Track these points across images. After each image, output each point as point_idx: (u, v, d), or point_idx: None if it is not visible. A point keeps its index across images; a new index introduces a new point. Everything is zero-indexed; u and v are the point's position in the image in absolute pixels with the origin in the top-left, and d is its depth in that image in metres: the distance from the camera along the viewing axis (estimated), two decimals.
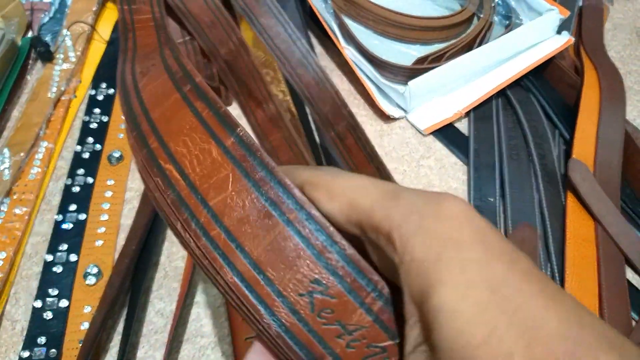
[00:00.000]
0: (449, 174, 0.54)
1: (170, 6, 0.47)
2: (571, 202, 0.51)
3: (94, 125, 0.54)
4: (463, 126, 0.59)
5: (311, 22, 0.67)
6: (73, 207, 0.48)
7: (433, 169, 0.54)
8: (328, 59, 0.66)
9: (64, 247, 0.45)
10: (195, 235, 0.20)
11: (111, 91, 0.57)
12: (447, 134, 0.58)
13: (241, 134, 0.20)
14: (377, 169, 0.45)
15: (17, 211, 0.47)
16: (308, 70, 0.48)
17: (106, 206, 0.48)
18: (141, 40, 0.35)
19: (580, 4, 0.72)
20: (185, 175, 0.21)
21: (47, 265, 0.44)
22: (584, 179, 0.52)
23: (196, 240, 0.20)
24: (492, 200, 0.51)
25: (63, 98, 0.55)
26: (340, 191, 0.20)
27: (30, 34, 0.61)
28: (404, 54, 0.65)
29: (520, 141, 0.57)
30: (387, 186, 0.20)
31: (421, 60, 0.60)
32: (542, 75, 0.63)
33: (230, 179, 0.20)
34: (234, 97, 0.44)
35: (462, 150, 0.56)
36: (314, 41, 0.67)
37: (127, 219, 0.48)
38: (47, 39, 0.60)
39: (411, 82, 0.56)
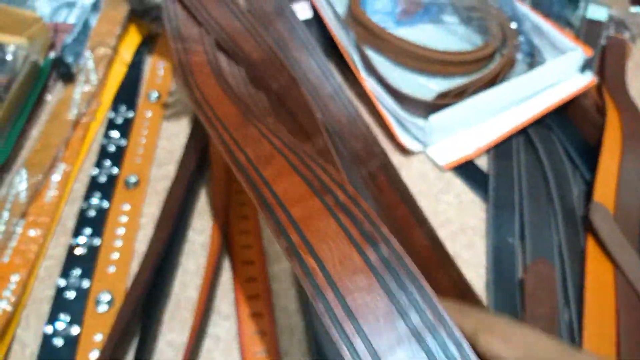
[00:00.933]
0: (467, 211, 0.53)
1: (221, 44, 0.47)
2: (591, 245, 0.50)
3: (111, 149, 0.54)
4: (483, 163, 0.58)
5: (331, 50, 0.67)
6: (88, 231, 0.47)
7: (452, 205, 0.54)
8: (348, 90, 0.66)
9: (77, 272, 0.45)
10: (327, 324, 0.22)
11: (130, 114, 0.57)
12: (466, 170, 0.57)
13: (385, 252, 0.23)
14: (410, 211, 0.44)
15: (31, 234, 0.46)
16: (339, 105, 0.48)
17: (121, 232, 0.47)
18: (207, 90, 0.38)
19: (603, 41, 0.72)
20: (325, 270, 0.23)
21: (60, 290, 0.44)
22: (605, 223, 0.51)
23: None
24: (511, 240, 0.50)
25: (82, 120, 0.55)
26: (518, 339, 0.23)
27: (52, 55, 0.61)
28: (424, 86, 0.64)
29: (540, 181, 0.56)
30: (562, 345, 0.23)
31: (442, 96, 0.60)
32: (564, 114, 0.62)
33: (371, 287, 0.22)
34: (283, 125, 0.43)
35: (482, 187, 0.55)
36: (334, 70, 0.67)
37: (142, 244, 0.47)
38: (70, 60, 0.60)
39: (432, 117, 0.56)
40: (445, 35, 0.71)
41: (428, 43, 0.65)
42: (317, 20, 0.67)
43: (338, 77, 0.49)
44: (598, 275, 0.49)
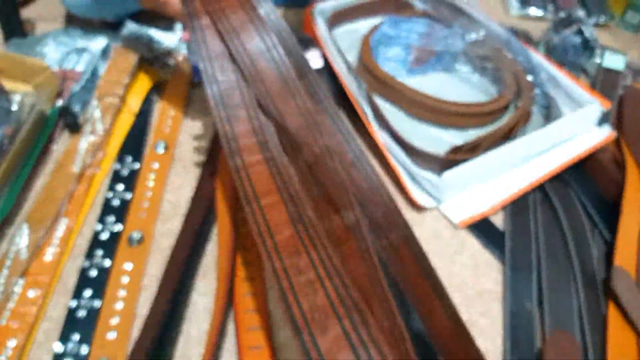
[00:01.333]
0: (483, 273, 0.51)
1: (262, 106, 0.46)
2: (613, 312, 0.48)
3: (116, 203, 0.53)
4: (498, 219, 0.56)
5: (341, 99, 0.66)
6: (88, 292, 0.46)
7: (467, 267, 0.52)
8: (359, 140, 0.64)
9: (76, 337, 0.43)
10: None
11: (136, 166, 0.56)
12: (481, 228, 0.55)
13: None
14: (432, 288, 0.42)
15: (30, 294, 0.45)
16: (361, 172, 0.46)
17: (122, 293, 0.46)
18: (257, 183, 0.38)
19: (621, 91, 0.71)
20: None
21: (57, 357, 0.42)
22: (627, 289, 0.48)
23: None
24: (529, 306, 0.48)
25: (87, 172, 0.54)
26: None
27: (60, 103, 0.60)
28: (437, 138, 0.63)
29: (558, 240, 0.54)
30: None
31: (455, 150, 0.58)
32: (581, 169, 0.61)
33: None
34: (309, 196, 0.41)
35: (498, 246, 0.53)
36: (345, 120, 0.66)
37: (143, 307, 0.45)
38: (77, 108, 0.59)
39: (445, 174, 0.54)
40: (459, 85, 0.70)
41: (441, 92, 0.64)
42: (327, 69, 0.66)
43: (359, 142, 0.47)
44: (620, 345, 0.46)
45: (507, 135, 0.62)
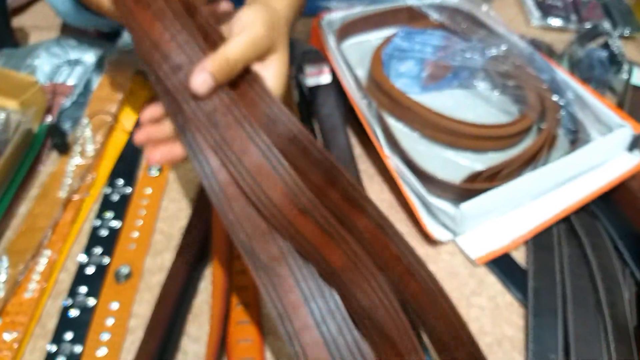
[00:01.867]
0: (503, 316, 0.47)
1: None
2: None
3: (103, 233, 0.48)
4: (520, 255, 0.52)
5: (351, 118, 0.62)
6: (69, 335, 0.42)
7: (485, 310, 0.47)
8: (368, 162, 0.60)
9: None
10: None
11: (128, 190, 0.52)
12: (502, 265, 0.50)
13: None
14: None
15: (6, 337, 0.41)
16: (416, 277, 0.40)
17: (106, 337, 0.42)
18: None
19: None
20: None
21: None
22: None
23: None
24: (553, 357, 0.44)
25: (75, 198, 0.50)
26: None
27: (49, 120, 0.56)
28: (454, 163, 0.58)
29: (586, 282, 0.49)
30: None
31: (474, 177, 0.53)
32: (609, 199, 0.56)
33: None
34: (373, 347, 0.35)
35: (519, 286, 0.49)
36: (353, 140, 0.61)
37: (129, 353, 0.41)
38: (67, 126, 0.55)
39: (463, 206, 0.49)
40: (476, 103, 0.65)
41: (457, 111, 0.59)
42: (336, 85, 0.62)
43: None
44: None
45: (530, 160, 0.57)
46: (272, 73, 0.40)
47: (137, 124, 0.58)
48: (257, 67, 0.39)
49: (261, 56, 0.39)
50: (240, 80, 0.38)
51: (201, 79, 0.34)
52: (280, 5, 0.43)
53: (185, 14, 0.37)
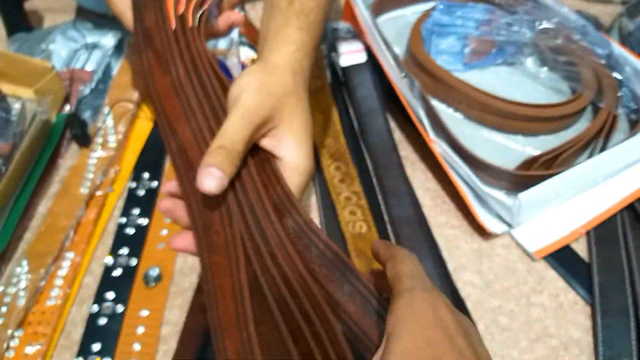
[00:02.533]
0: (568, 317, 0.42)
1: None
2: None
3: (130, 231, 0.45)
4: (581, 247, 0.47)
5: (388, 98, 0.57)
6: (97, 346, 0.38)
7: (547, 310, 0.43)
8: (409, 147, 0.55)
9: None
10: None
11: (154, 184, 0.48)
12: (562, 259, 0.46)
13: None
14: None
15: (29, 351, 0.37)
16: None
17: (137, 347, 0.38)
18: None
19: None
20: None
21: None
22: None
23: None
24: None
25: (98, 193, 0.46)
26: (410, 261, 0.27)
27: (67, 108, 0.52)
28: (503, 147, 0.53)
29: None
30: None
31: (529, 163, 0.49)
32: None
33: None
34: None
35: (583, 282, 0.44)
36: (392, 125, 0.57)
37: None
38: (87, 115, 0.51)
39: (522, 195, 0.45)
40: (524, 81, 0.60)
41: (503, 90, 0.54)
42: (372, 64, 0.57)
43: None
44: None
45: (588, 144, 0.52)
46: (287, 150, 0.34)
47: None
48: (268, 144, 0.34)
49: (261, 130, 0.33)
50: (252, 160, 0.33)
51: (210, 180, 0.29)
52: (283, 57, 0.36)
53: (201, 90, 0.35)
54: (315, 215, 0.48)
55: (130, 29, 0.43)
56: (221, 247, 0.29)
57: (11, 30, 0.60)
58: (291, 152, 0.34)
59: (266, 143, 0.34)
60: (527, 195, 0.45)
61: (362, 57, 0.58)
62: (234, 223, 0.30)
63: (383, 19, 0.67)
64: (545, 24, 0.58)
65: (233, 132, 0.31)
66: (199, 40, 0.38)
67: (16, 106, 0.47)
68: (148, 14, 0.39)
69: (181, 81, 0.35)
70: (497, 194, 0.47)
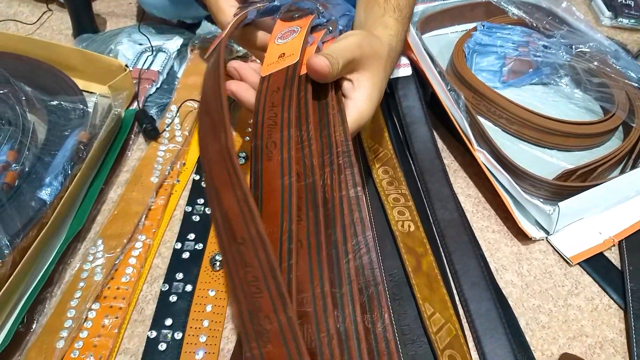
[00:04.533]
0: (603, 319, 0.45)
1: None
2: None
3: (195, 218, 0.48)
4: (614, 255, 0.50)
5: (432, 110, 0.60)
6: (168, 321, 0.41)
7: (584, 312, 0.46)
8: (450, 157, 0.59)
9: None
10: None
11: None
12: (596, 265, 0.49)
13: None
14: None
15: (106, 322, 0.40)
16: None
17: (205, 324, 0.41)
18: None
19: None
20: None
21: None
22: None
23: None
24: None
25: (165, 183, 0.50)
26: None
27: (135, 105, 0.56)
28: (540, 160, 0.57)
29: None
30: None
31: (567, 175, 0.52)
32: None
33: None
34: None
35: (616, 288, 0.47)
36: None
37: (229, 342, 0.41)
38: (153, 112, 0.55)
39: (563, 204, 0.48)
40: (558, 100, 0.64)
41: (538, 108, 0.58)
42: (416, 78, 0.61)
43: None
44: None
45: (622, 159, 0.55)
46: (361, 94, 0.40)
47: None
48: (347, 86, 0.40)
49: (352, 64, 0.39)
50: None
51: (321, 60, 0.36)
52: (384, 34, 0.44)
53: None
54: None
55: (221, 24, 0.46)
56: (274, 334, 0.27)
57: (79, 31, 0.64)
58: (363, 98, 0.40)
59: (346, 85, 0.40)
60: (566, 204, 0.48)
61: (407, 71, 0.62)
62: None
63: (427, 36, 0.71)
64: (581, 48, 0.62)
65: (337, 50, 0.38)
66: None
67: (93, 100, 0.51)
68: (208, 82, 0.40)
69: (229, 149, 0.33)
70: (538, 203, 0.50)
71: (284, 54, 0.41)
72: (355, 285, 0.30)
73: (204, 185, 0.51)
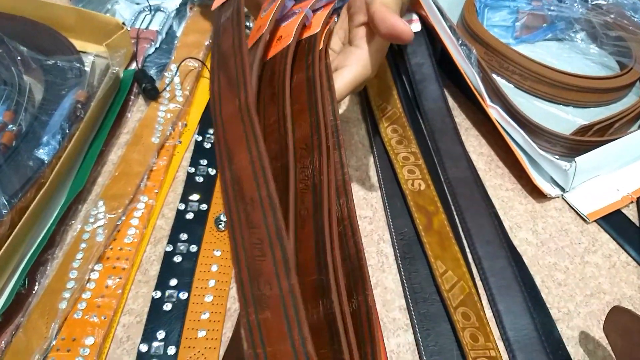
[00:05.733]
0: (621, 276, 0.44)
1: None
2: None
3: (199, 179, 0.47)
4: (632, 212, 0.48)
5: (443, 67, 0.58)
6: (173, 282, 0.40)
7: (601, 269, 0.44)
8: (462, 115, 0.57)
9: (161, 334, 0.37)
10: None
11: None
12: (614, 222, 0.47)
13: None
14: None
15: (109, 282, 0.39)
16: None
17: (211, 284, 0.40)
18: None
19: None
20: None
21: (141, 357, 0.36)
22: None
23: None
24: None
25: (167, 144, 0.48)
26: None
27: (133, 66, 0.54)
28: (555, 116, 0.55)
29: None
30: None
31: (584, 130, 0.50)
32: None
33: None
34: None
35: (635, 245, 0.46)
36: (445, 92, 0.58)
37: (235, 302, 0.40)
38: (152, 72, 0.53)
39: (579, 159, 0.46)
40: (573, 56, 0.62)
41: (552, 64, 0.55)
42: (426, 34, 0.59)
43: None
44: None
45: (639, 116, 0.53)
46: (373, 45, 0.40)
47: None
48: (359, 34, 0.40)
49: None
50: None
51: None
52: None
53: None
54: (372, 174, 0.50)
55: None
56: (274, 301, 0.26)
57: None
58: (374, 48, 0.40)
59: (359, 30, 0.40)
60: (583, 160, 0.46)
61: (416, 27, 0.59)
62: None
63: None
64: (597, 1, 0.59)
65: None
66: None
67: (90, 58, 0.49)
68: (226, 38, 0.38)
69: (249, 107, 0.32)
70: (554, 159, 0.48)
71: (281, 36, 0.39)
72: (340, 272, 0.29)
73: (208, 146, 0.49)
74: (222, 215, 0.44)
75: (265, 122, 0.36)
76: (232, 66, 0.35)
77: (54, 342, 0.36)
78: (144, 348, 0.37)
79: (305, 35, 0.42)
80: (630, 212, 0.48)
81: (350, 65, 0.39)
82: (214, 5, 0.41)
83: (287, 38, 0.40)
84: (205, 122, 0.51)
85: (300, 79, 0.38)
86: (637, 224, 0.47)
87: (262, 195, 0.28)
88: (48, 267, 0.40)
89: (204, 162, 0.48)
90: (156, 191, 0.45)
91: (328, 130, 0.34)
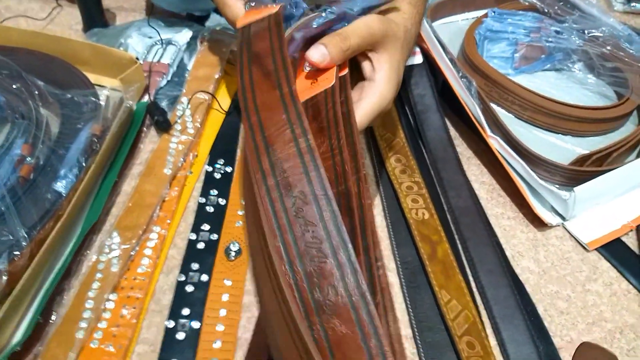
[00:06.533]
0: (622, 304, 0.45)
1: None
2: None
3: (209, 209, 0.48)
4: (632, 240, 0.50)
5: (444, 98, 0.60)
6: (186, 311, 0.41)
7: (602, 297, 0.45)
8: (463, 144, 0.58)
9: None
10: None
11: (229, 169, 0.52)
12: (613, 250, 0.49)
13: None
14: None
15: (124, 312, 0.41)
16: None
17: (222, 313, 0.41)
18: None
19: None
20: None
21: None
22: None
23: None
24: None
25: (178, 174, 0.50)
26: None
27: (146, 98, 0.56)
28: (554, 146, 0.56)
29: None
30: None
31: (582, 160, 0.52)
32: None
33: None
34: None
35: (635, 273, 0.47)
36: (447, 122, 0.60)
37: (246, 331, 0.41)
38: (163, 104, 0.55)
39: (578, 189, 0.47)
40: (571, 86, 0.63)
41: (551, 94, 0.57)
42: (428, 65, 0.60)
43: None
44: None
45: (636, 145, 0.55)
46: (381, 76, 0.41)
47: (234, 106, 0.57)
48: (367, 67, 0.41)
49: (373, 44, 0.40)
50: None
51: (315, 51, 0.37)
52: (397, 17, 0.44)
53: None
54: (377, 203, 0.51)
55: (230, 20, 0.45)
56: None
57: (88, 26, 0.65)
58: (383, 79, 0.40)
59: (365, 65, 0.41)
60: (582, 189, 0.48)
61: (418, 59, 0.61)
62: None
63: (437, 24, 0.70)
64: (594, 32, 0.61)
65: (353, 29, 0.38)
66: None
67: (104, 93, 0.51)
68: (260, 42, 0.39)
69: (293, 93, 0.34)
70: (554, 189, 0.49)
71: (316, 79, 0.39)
72: (387, 294, 0.30)
73: (218, 176, 0.51)
74: (232, 244, 0.45)
75: None
76: (269, 63, 0.37)
77: None
78: None
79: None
80: (630, 240, 0.50)
81: (367, 97, 0.40)
82: (240, 24, 0.42)
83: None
84: (215, 153, 0.53)
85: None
86: (637, 252, 0.49)
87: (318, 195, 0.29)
88: (64, 297, 0.42)
89: (214, 192, 0.49)
90: (168, 221, 0.47)
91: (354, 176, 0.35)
